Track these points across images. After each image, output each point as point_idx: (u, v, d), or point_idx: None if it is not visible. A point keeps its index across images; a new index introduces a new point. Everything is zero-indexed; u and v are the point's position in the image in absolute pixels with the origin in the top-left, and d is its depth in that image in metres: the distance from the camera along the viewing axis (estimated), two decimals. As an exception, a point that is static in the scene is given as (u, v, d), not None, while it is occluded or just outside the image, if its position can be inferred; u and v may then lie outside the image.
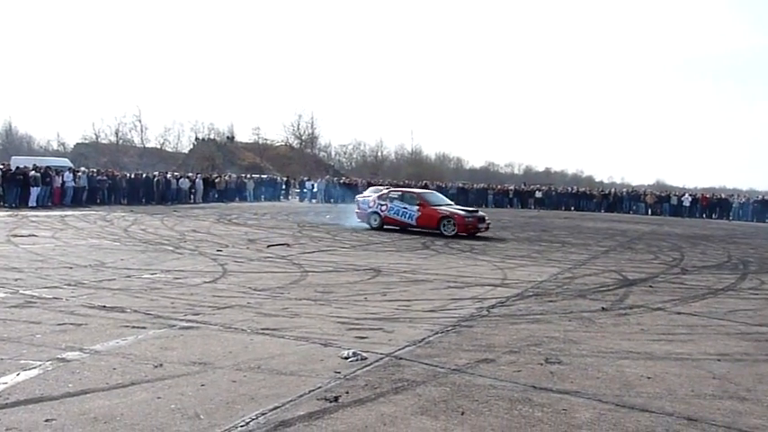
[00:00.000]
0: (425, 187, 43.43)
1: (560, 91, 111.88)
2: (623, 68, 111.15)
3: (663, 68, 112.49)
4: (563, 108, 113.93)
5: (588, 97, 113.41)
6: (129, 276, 9.82)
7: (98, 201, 28.81)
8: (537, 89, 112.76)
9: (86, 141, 62.09)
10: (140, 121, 62.10)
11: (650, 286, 10.93)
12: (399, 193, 20.97)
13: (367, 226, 20.51)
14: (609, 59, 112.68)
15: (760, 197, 44.96)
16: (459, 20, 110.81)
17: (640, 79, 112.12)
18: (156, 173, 34.48)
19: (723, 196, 44.73)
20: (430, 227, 19.16)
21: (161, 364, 5.36)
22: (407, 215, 19.45)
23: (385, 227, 20.12)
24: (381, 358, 5.80)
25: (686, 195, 43.73)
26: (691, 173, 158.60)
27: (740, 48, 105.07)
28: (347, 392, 4.83)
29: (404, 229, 19.70)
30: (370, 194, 21.22)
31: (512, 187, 47.21)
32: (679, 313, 8.67)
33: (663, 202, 42.25)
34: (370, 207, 20.37)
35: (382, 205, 20.06)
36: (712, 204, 41.92)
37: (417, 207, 19.43)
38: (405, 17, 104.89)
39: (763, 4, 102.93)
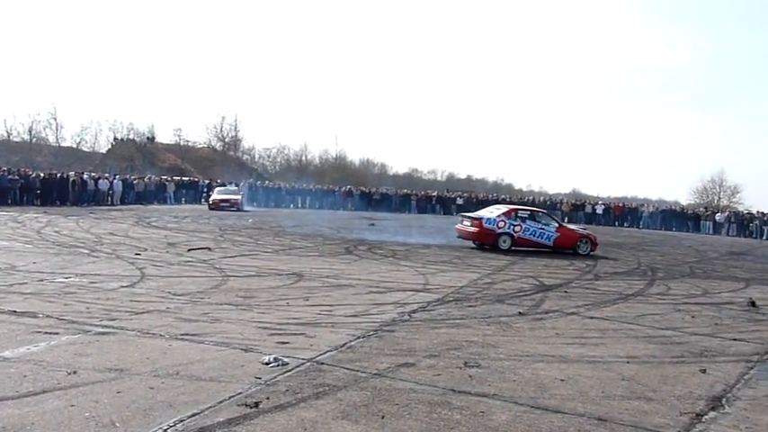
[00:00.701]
0: (350, 192, 43.54)
1: (483, 100, 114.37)
2: (545, 81, 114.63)
3: (581, 83, 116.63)
4: (485, 117, 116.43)
5: (510, 107, 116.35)
6: (41, 280, 9.43)
7: (9, 201, 27.50)
8: (460, 97, 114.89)
9: (-2, 139, 59.09)
10: (56, 119, 59.34)
11: (565, 291, 11.30)
12: (528, 212, 19.70)
13: (469, 244, 19.45)
14: (532, 72, 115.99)
15: (667, 207, 47.36)
16: (381, 26, 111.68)
17: (560, 93, 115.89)
18: (72, 173, 33.19)
19: (633, 205, 46.89)
20: (566, 247, 18.66)
21: (75, 371, 5.17)
22: (545, 236, 18.57)
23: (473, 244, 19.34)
24: (303, 363, 5.78)
25: (600, 204, 45.55)
26: (604, 183, 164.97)
27: (649, 65, 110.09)
28: (268, 398, 4.79)
29: (324, 234, 19.58)
30: (487, 213, 19.19)
31: (435, 194, 47.77)
32: (592, 318, 9.00)
33: (578, 210, 43.75)
34: (499, 228, 18.47)
35: (515, 226, 18.55)
36: (624, 213, 43.80)
37: (555, 228, 18.85)
38: (327, 22, 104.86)
39: (666, 25, 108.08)
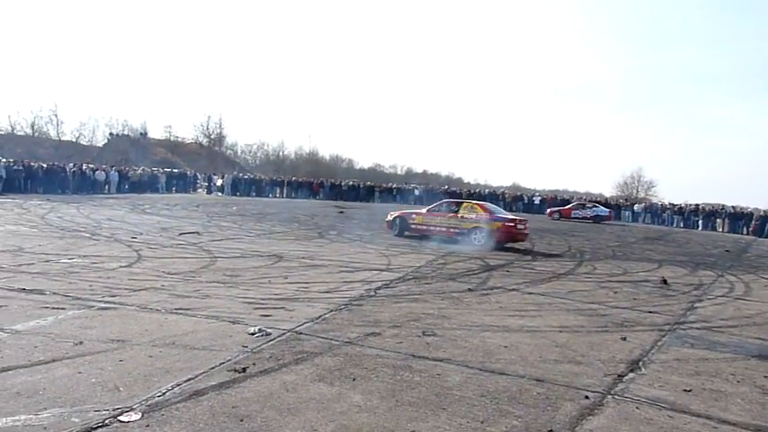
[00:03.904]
0: (321, 184, 43.32)
1: (438, 102, 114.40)
2: (492, 86, 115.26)
3: (523, 88, 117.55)
4: (440, 117, 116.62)
5: (460, 108, 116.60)
6: (47, 261, 9.21)
7: (14, 190, 26.64)
8: (418, 98, 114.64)
9: (2, 132, 57.03)
10: (56, 115, 57.64)
11: (507, 271, 11.46)
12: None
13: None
14: (480, 77, 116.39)
15: (594, 198, 48.27)
16: (346, 35, 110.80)
17: (505, 96, 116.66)
18: (72, 164, 32.32)
19: (566, 197, 47.57)
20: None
21: (81, 342, 5.10)
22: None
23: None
24: (284, 333, 5.79)
25: (536, 196, 46.16)
26: (540, 177, 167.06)
27: (582, 73, 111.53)
28: (254, 364, 4.80)
29: (299, 221, 19.43)
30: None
31: (395, 185, 47.81)
32: (530, 293, 9.16)
33: (518, 201, 44.24)
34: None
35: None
36: (557, 204, 44.39)
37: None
38: (302, 30, 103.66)
39: (596, 40, 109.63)
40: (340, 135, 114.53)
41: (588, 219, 34.32)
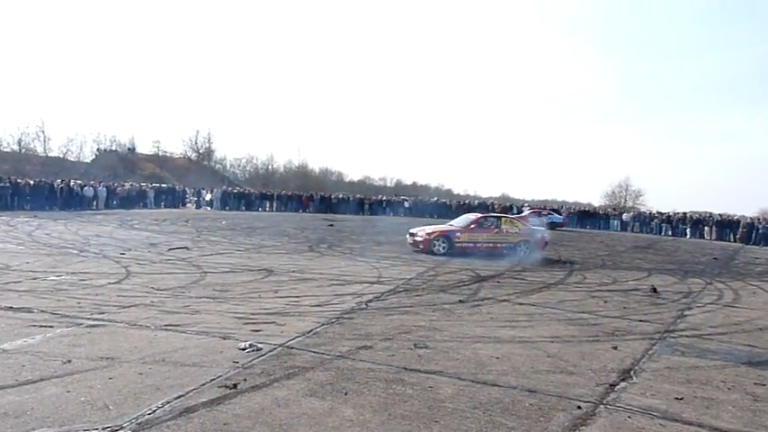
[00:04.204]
0: (311, 198, 43.30)
1: (426, 113, 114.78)
2: (481, 96, 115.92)
3: (511, 99, 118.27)
4: (428, 128, 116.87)
5: (450, 120, 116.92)
6: (35, 278, 9.12)
7: (0, 207, 26.40)
8: (407, 110, 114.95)
9: (-13, 149, 56.58)
10: (43, 131, 56.99)
11: (498, 282, 11.48)
12: None
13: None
14: (470, 88, 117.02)
15: (582, 208, 48.56)
16: (334, 45, 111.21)
17: (494, 107, 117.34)
18: (60, 180, 32.09)
19: (555, 207, 47.80)
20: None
21: (69, 361, 5.05)
22: None
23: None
24: (275, 348, 5.76)
25: (525, 206, 46.35)
26: (529, 187, 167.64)
27: (570, 84, 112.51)
28: (245, 380, 4.77)
29: (289, 234, 19.39)
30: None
31: (384, 198, 47.85)
32: (521, 304, 9.18)
33: (507, 211, 44.38)
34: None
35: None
36: (516, 213, 44.63)
37: None
38: (288, 43, 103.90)
39: (585, 51, 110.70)
40: (329, 148, 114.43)
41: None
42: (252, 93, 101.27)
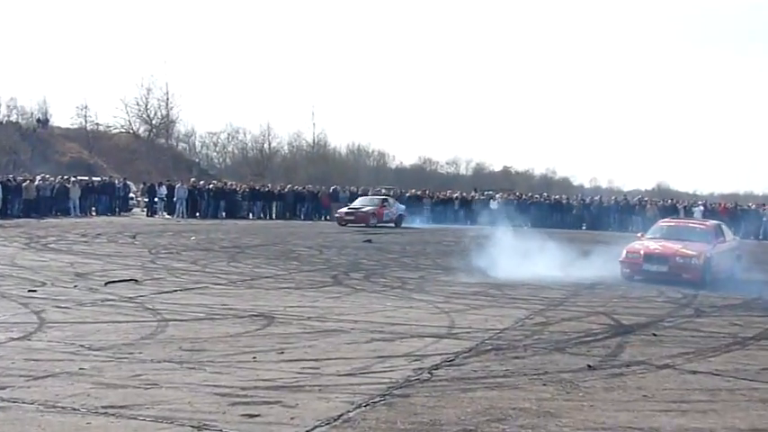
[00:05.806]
0: (335, 195, 43.49)
1: (521, 72, 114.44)
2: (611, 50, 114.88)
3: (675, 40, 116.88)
4: (525, 91, 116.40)
5: (559, 83, 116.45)
6: None
7: None
8: (491, 66, 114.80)
9: None
10: None
11: (653, 334, 11.28)
12: None
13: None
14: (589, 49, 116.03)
15: None
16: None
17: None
18: None
19: (751, 205, 46.80)
20: None
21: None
22: None
23: None
24: (282, 446, 5.82)
25: (698, 205, 45.60)
26: (703, 176, 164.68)
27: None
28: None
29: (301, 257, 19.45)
30: None
31: (457, 194, 47.65)
32: (694, 372, 8.97)
33: (668, 213, 43.74)
34: None
35: None
36: (736, 216, 43.72)
37: None
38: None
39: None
40: (363, 116, 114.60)
41: None
42: (233, 28, 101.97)
